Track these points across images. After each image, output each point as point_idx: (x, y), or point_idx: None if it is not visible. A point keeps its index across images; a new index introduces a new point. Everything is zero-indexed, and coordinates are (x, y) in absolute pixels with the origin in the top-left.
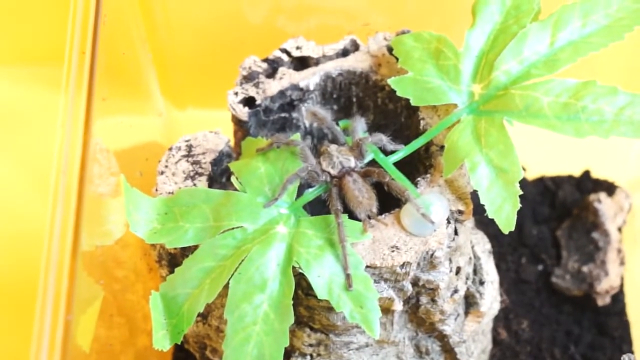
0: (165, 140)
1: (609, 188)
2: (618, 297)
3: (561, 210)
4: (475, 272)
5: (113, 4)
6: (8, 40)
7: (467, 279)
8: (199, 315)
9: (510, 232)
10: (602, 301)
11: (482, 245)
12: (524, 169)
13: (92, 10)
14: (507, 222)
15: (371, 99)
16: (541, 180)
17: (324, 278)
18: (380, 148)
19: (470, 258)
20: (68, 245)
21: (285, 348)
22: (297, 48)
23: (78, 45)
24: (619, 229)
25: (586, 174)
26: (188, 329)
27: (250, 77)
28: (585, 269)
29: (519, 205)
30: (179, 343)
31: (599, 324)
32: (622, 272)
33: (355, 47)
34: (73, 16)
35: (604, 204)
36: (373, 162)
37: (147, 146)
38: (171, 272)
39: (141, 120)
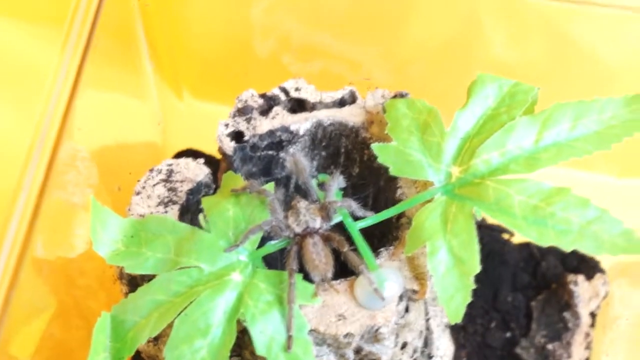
0: (162, 137)
1: (592, 269)
2: None
3: (541, 281)
4: (425, 345)
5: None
6: None
7: (414, 352)
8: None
9: (485, 295)
10: None
11: (440, 318)
12: (511, 232)
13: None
14: (455, 313)
15: (358, 154)
16: (527, 247)
17: (266, 335)
18: (350, 212)
19: (421, 331)
20: (17, 248)
21: None
22: (297, 89)
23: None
24: (592, 314)
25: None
26: (129, 356)
27: (244, 111)
28: (550, 346)
29: (470, 299)
30: None
31: None
32: (587, 356)
33: (352, 99)
34: None
35: (580, 287)
36: (342, 223)
37: (137, 147)
38: (130, 290)
39: (135, 108)
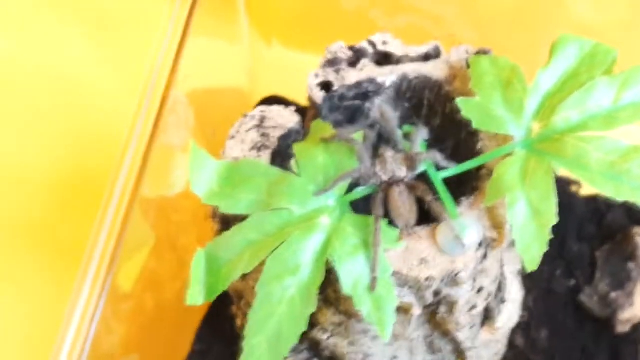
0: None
1: None
2: (638, 328)
3: (606, 232)
4: (499, 289)
5: None
6: None
7: (489, 295)
8: None
9: (552, 243)
10: (622, 328)
11: (513, 265)
12: (579, 184)
13: None
14: (532, 261)
15: (441, 107)
16: (594, 200)
17: (352, 276)
18: (434, 163)
19: (496, 277)
20: (129, 189)
21: (310, 321)
22: (383, 43)
23: None
24: None
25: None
26: (223, 290)
27: (333, 62)
28: (613, 294)
29: (547, 248)
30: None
31: (615, 348)
32: None
33: (437, 53)
34: None
35: None
36: (425, 172)
37: (228, 92)
38: (222, 228)
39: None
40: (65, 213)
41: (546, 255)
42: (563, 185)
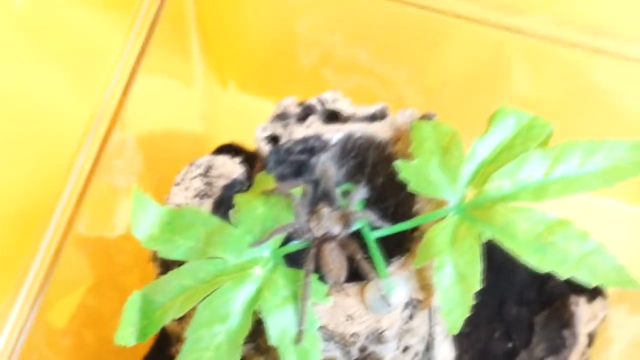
0: (203, 127)
1: (594, 292)
2: None
3: (546, 298)
4: (427, 348)
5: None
6: None
7: (415, 355)
8: None
9: (492, 305)
10: None
11: (442, 325)
12: None
13: None
14: (454, 325)
15: (384, 167)
16: None
17: (279, 327)
18: (369, 222)
19: (424, 337)
20: (63, 226)
21: None
22: (333, 101)
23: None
24: (589, 334)
25: None
26: (154, 333)
27: (282, 116)
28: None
29: (469, 313)
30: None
31: None
32: None
33: (383, 115)
34: None
35: (581, 308)
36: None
37: (181, 136)
38: (161, 271)
39: (182, 96)
40: (6, 240)
41: (485, 317)
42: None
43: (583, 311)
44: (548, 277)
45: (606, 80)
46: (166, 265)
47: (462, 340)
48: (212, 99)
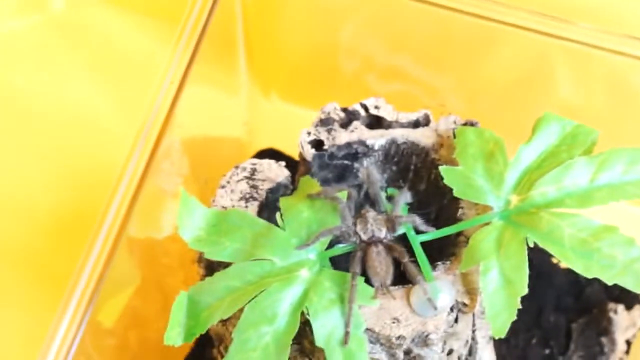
0: (246, 135)
1: (632, 299)
2: None
3: (583, 306)
4: (470, 353)
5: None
6: None
7: (459, 358)
8: None
9: (530, 312)
10: None
11: (485, 331)
12: None
13: None
14: (500, 329)
15: (426, 172)
16: (574, 272)
17: (326, 329)
18: (413, 227)
19: (467, 341)
20: (116, 228)
21: None
22: (376, 107)
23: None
24: (627, 342)
25: None
26: (200, 333)
27: (326, 122)
28: None
29: (515, 318)
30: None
31: None
32: None
33: (426, 121)
34: None
35: (619, 315)
36: (405, 235)
37: (225, 142)
38: (206, 273)
39: (226, 105)
40: (59, 245)
41: (523, 324)
42: (544, 257)
43: (621, 318)
44: (586, 284)
45: None
46: (211, 267)
47: (501, 345)
48: (255, 108)
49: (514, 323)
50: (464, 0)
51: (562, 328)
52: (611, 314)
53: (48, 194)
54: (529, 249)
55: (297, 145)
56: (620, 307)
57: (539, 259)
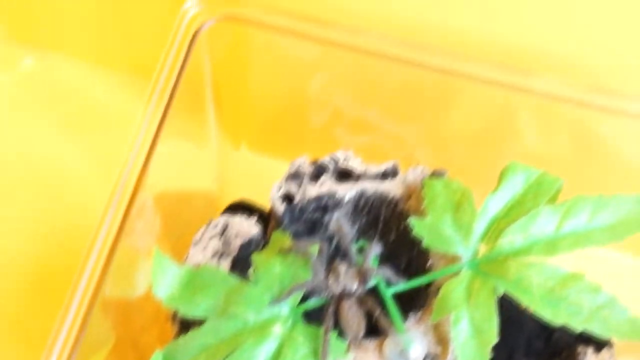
0: (217, 188)
1: (601, 343)
2: None
3: (553, 349)
4: None
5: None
6: (111, 47)
7: None
8: None
9: (501, 357)
10: None
11: None
12: None
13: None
14: None
15: (396, 223)
16: None
17: None
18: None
19: None
20: (91, 290)
21: None
22: (345, 160)
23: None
24: None
25: None
26: None
27: (295, 176)
28: None
29: None
30: None
31: None
32: None
33: (394, 172)
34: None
35: (588, 358)
36: (377, 287)
37: (197, 197)
38: (180, 330)
39: (197, 158)
40: (34, 306)
41: None
42: (514, 301)
43: None
44: (555, 328)
45: (612, 137)
46: (185, 325)
47: None
48: (225, 160)
49: None
50: (428, 55)
51: None
52: (580, 357)
53: (21, 254)
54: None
55: (268, 196)
56: (590, 350)
57: (508, 304)
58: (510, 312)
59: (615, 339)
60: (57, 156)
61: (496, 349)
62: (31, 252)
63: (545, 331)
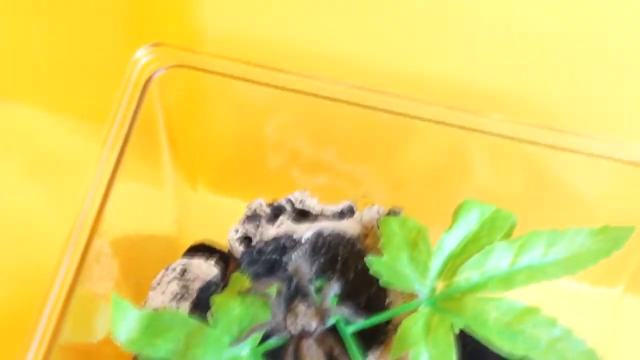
0: (175, 229)
1: None
2: None
3: None
4: None
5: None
6: (65, 94)
7: None
8: None
9: None
10: None
11: None
12: None
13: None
14: None
15: (353, 262)
16: None
17: None
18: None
19: None
20: (48, 337)
21: None
22: (301, 201)
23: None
24: None
25: None
26: None
27: (252, 218)
28: None
29: None
30: None
31: None
32: None
33: (351, 212)
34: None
35: None
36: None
37: (155, 240)
38: None
39: (153, 201)
40: None
41: None
42: None
43: None
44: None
45: (563, 173)
46: None
47: None
48: (183, 202)
49: None
50: (381, 98)
51: None
52: None
53: None
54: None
55: (227, 240)
56: None
57: (471, 337)
58: (474, 345)
59: None
60: (16, 201)
61: None
62: None
63: None
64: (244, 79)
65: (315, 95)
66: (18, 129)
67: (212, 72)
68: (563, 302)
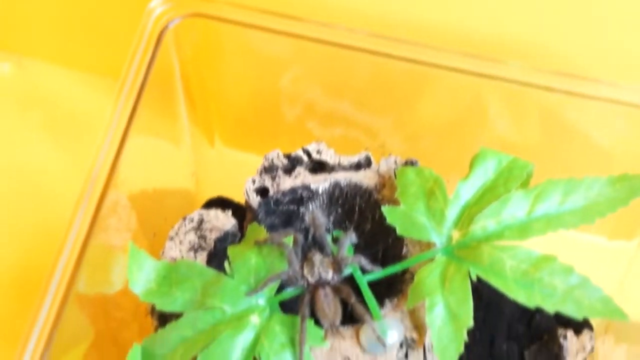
0: (193, 184)
1: (581, 324)
2: None
3: (534, 332)
4: None
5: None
6: (82, 50)
7: None
8: None
9: (483, 342)
10: None
11: None
12: None
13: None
14: None
15: (370, 212)
16: None
17: None
18: (360, 267)
19: None
20: (64, 286)
21: None
22: (318, 152)
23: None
24: None
25: None
26: None
27: (269, 169)
28: None
29: (462, 350)
30: None
31: None
32: None
33: (368, 163)
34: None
35: (569, 341)
36: (352, 275)
37: (172, 193)
38: (159, 324)
39: (170, 155)
40: (8, 304)
41: (476, 354)
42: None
43: (571, 344)
44: (535, 311)
45: (581, 120)
46: (164, 319)
47: None
48: (199, 156)
49: (467, 354)
50: (397, 46)
51: (515, 356)
52: (561, 340)
53: None
54: (478, 279)
55: (243, 191)
56: (570, 333)
57: (487, 289)
58: (490, 297)
59: (594, 322)
60: (32, 154)
61: (477, 333)
62: (5, 253)
63: (526, 315)
64: (261, 28)
65: (332, 44)
66: (33, 84)
67: (228, 21)
68: (580, 254)
